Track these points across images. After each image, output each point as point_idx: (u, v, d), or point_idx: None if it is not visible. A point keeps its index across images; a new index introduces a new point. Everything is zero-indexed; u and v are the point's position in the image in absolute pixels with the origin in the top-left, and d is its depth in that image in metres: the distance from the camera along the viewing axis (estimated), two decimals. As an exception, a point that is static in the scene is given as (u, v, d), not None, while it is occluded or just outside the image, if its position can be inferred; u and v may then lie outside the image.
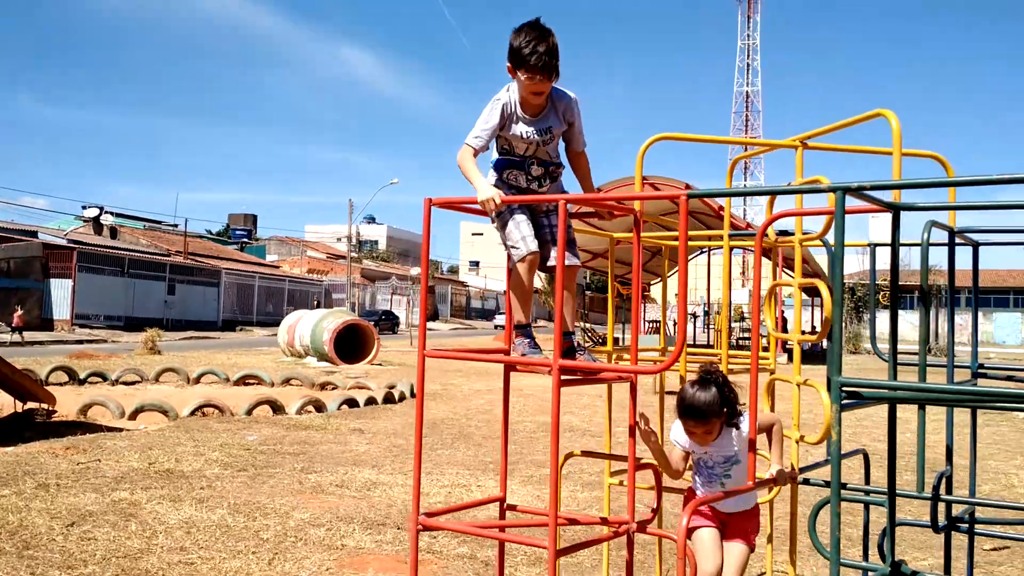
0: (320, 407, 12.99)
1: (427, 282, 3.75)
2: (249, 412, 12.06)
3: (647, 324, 45.95)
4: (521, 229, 3.74)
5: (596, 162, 4.07)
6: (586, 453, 4.10)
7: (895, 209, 3.17)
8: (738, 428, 3.55)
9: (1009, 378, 4.34)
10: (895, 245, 3.21)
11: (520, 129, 3.76)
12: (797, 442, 3.77)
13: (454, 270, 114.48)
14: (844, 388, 2.75)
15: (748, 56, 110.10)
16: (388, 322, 54.99)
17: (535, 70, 3.62)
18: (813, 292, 55.54)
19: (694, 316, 44.61)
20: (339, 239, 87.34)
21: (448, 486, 7.94)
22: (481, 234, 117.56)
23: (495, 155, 3.90)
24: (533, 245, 3.72)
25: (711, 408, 3.45)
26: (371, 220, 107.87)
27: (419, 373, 3.70)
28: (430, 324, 69.32)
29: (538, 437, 11.15)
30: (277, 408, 12.44)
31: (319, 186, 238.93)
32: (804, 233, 4.32)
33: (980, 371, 4.42)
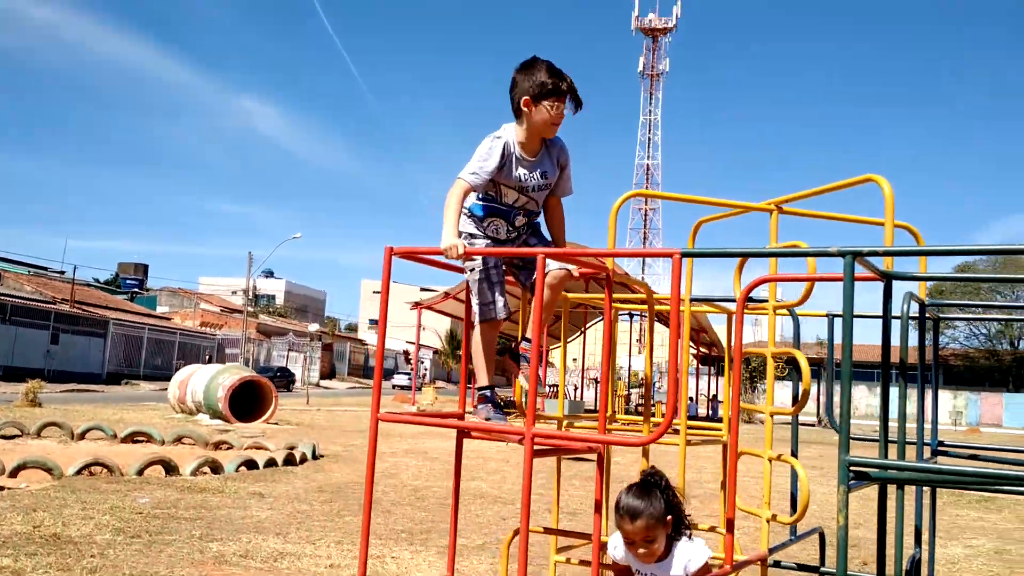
0: (217, 468, 12.27)
1: (384, 337, 3.42)
2: (140, 472, 11.31)
3: (548, 388, 45.81)
4: (495, 291, 3.49)
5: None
6: (547, 530, 3.80)
7: (888, 278, 3.03)
8: (688, 539, 3.09)
9: (973, 456, 4.24)
10: (887, 317, 3.05)
11: (520, 173, 3.50)
12: (768, 521, 3.55)
13: (352, 328, 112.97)
14: (852, 468, 2.55)
15: (650, 131, 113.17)
16: (283, 379, 53.45)
17: (564, 95, 3.42)
18: (709, 361, 56.04)
19: (596, 382, 44.74)
20: (234, 292, 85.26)
21: (361, 557, 7.48)
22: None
23: (473, 199, 3.60)
24: (503, 313, 3.49)
25: (651, 511, 2.98)
26: (269, 274, 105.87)
27: (371, 438, 3.37)
28: (325, 383, 67.94)
29: (449, 504, 10.74)
30: (170, 468, 11.70)
31: (215, 238, 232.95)
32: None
33: (940, 449, 4.31)
